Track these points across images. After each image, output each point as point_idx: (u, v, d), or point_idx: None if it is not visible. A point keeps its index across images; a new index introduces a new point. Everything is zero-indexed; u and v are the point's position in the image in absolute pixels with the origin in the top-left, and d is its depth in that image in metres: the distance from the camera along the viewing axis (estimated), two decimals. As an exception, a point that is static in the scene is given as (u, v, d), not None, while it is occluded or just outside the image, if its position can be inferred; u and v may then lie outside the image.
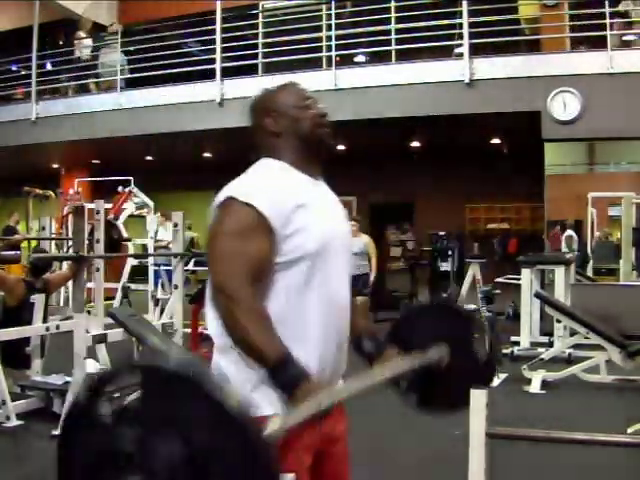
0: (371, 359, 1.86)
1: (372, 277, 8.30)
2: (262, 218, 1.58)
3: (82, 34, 10.59)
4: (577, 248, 9.18)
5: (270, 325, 1.56)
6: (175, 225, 5.63)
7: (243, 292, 1.55)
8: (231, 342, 1.60)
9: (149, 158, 12.11)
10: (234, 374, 1.61)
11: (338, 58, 8.59)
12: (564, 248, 9.04)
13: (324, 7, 8.85)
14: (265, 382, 1.57)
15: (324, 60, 8.62)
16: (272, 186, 1.66)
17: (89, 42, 10.58)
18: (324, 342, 1.67)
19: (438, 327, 2.04)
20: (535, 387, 5.50)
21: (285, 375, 1.53)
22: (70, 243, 8.00)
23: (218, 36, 8.98)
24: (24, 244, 8.74)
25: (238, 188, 1.67)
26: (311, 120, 1.75)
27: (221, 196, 1.69)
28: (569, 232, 10.03)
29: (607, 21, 7.27)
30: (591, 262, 9.51)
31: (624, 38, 7.96)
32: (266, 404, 1.58)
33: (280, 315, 1.61)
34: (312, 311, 1.65)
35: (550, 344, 6.40)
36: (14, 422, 4.57)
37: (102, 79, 10.23)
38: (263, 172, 1.74)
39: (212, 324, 1.65)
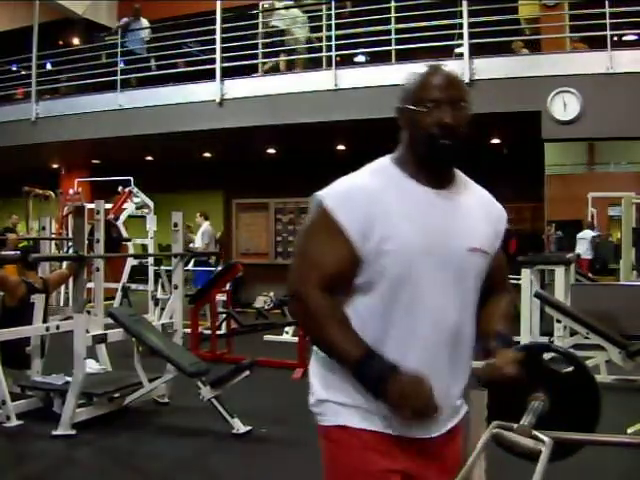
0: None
1: None
2: (339, 227, 1.51)
3: (276, 3, 9.45)
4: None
5: (348, 324, 1.52)
6: (175, 225, 5.63)
7: (315, 294, 1.51)
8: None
9: (149, 158, 12.11)
10: (318, 376, 1.61)
11: (338, 58, 8.59)
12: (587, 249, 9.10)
13: (324, 7, 8.85)
14: (340, 390, 1.55)
15: (324, 60, 8.62)
16: (359, 196, 1.56)
17: (284, 13, 9.29)
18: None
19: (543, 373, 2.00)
20: (535, 387, 5.49)
21: (370, 371, 1.46)
22: (70, 243, 8.01)
23: (218, 36, 8.99)
24: (24, 243, 8.73)
25: (330, 188, 1.61)
26: (426, 129, 1.59)
27: (319, 192, 1.62)
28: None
29: (607, 21, 7.27)
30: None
31: (624, 38, 7.97)
32: (334, 414, 1.56)
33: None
34: (396, 338, 1.54)
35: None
36: (14, 422, 4.57)
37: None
38: (364, 175, 1.65)
39: None
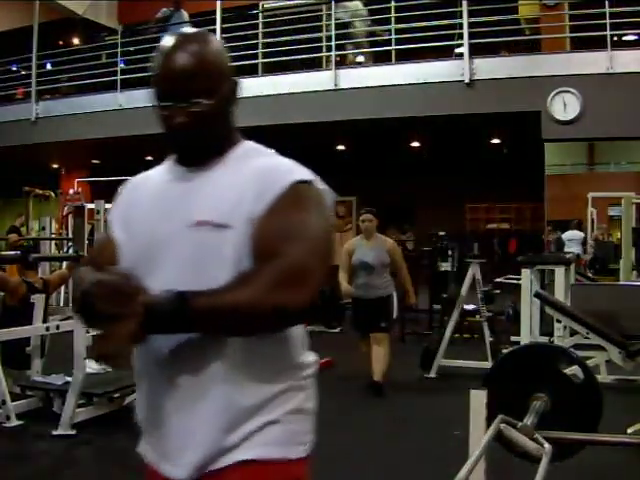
0: None
1: (412, 295, 6.03)
2: (111, 225, 1.48)
3: None
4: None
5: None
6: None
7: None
8: None
9: (149, 158, 12.11)
10: None
11: (338, 58, 8.59)
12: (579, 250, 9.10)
13: (324, 7, 8.84)
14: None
15: (324, 60, 8.62)
16: (119, 195, 1.51)
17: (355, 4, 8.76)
18: (148, 408, 1.39)
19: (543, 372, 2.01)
20: (535, 387, 5.48)
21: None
22: (70, 243, 8.01)
23: (218, 36, 8.98)
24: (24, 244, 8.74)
25: None
26: (161, 126, 1.36)
27: None
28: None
29: (607, 21, 7.27)
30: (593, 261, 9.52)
31: (624, 38, 7.98)
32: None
33: None
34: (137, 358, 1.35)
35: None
36: (14, 422, 4.56)
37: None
38: (148, 171, 1.54)
39: None
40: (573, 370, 2.12)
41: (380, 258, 5.67)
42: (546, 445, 1.62)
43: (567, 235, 9.46)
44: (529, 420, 1.80)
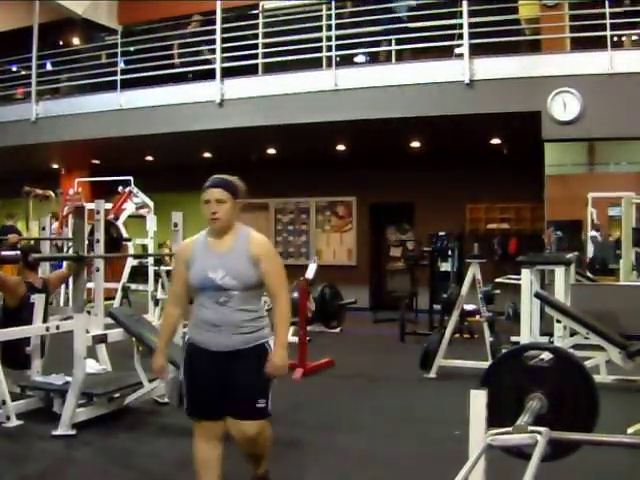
0: None
1: (281, 354, 3.12)
2: None
3: None
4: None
5: None
6: (175, 225, 5.62)
7: None
8: None
9: (149, 158, 12.11)
10: None
11: (338, 58, 8.59)
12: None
13: (324, 7, 8.84)
14: None
15: (324, 60, 8.62)
16: None
17: None
18: None
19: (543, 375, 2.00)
20: (535, 387, 5.47)
21: None
22: (70, 243, 8.00)
23: (218, 36, 8.99)
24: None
25: None
26: None
27: None
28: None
29: (607, 21, 7.27)
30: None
31: (624, 38, 7.97)
32: None
33: None
34: None
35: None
36: (14, 422, 4.57)
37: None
38: None
39: None
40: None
41: (240, 272, 2.98)
42: (543, 429, 1.61)
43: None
44: (523, 420, 1.80)
